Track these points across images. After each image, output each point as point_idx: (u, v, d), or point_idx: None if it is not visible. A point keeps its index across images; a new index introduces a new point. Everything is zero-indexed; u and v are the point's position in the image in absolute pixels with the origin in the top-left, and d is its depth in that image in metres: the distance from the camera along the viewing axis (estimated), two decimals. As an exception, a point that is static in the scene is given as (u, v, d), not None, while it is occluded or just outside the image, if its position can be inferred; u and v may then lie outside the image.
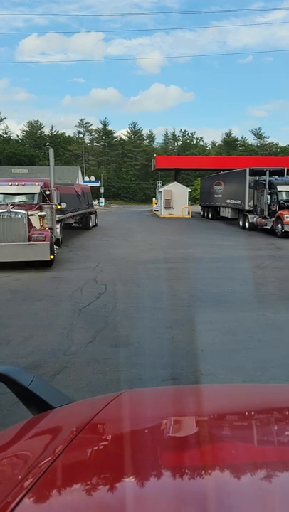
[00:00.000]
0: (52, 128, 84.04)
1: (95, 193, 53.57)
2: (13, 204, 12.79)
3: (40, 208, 13.03)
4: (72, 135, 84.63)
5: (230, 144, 79.92)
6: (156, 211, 38.36)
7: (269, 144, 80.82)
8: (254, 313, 7.48)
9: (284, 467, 0.89)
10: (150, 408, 1.41)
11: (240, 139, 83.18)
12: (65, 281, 10.23)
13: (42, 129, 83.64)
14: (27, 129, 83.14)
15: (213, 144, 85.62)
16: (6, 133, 79.48)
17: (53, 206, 13.48)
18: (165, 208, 35.29)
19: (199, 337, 6.20)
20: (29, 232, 11.76)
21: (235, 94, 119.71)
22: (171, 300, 8.41)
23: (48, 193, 13.59)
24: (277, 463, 0.91)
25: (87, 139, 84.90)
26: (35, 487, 0.79)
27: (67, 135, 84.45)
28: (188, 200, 36.73)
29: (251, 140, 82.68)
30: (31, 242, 11.58)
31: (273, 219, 20.62)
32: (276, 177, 22.32)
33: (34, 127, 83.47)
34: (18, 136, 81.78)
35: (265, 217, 21.61)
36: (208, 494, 0.78)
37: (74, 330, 6.61)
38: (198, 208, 36.36)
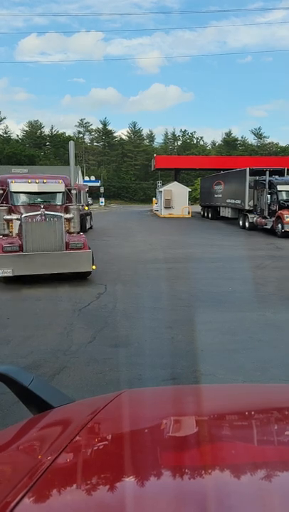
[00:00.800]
0: (52, 128, 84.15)
1: (95, 193, 53.56)
2: (34, 205, 10.73)
3: (66, 210, 10.82)
4: (72, 135, 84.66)
5: (230, 144, 79.94)
6: (156, 211, 38.37)
7: (269, 143, 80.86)
8: (254, 313, 7.48)
9: (284, 467, 0.89)
10: (150, 408, 1.41)
11: (240, 138, 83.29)
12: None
13: (42, 129, 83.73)
14: (27, 128, 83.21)
15: (213, 143, 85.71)
16: (5, 133, 79.54)
17: (80, 207, 11.64)
18: (165, 207, 35.29)
19: (199, 337, 6.20)
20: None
21: (235, 94, 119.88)
22: (171, 300, 8.41)
23: (74, 191, 11.79)
24: (277, 463, 0.91)
25: (87, 138, 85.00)
26: (35, 487, 0.79)
27: (67, 135, 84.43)
28: (188, 200, 36.73)
29: (251, 140, 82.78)
30: (69, 250, 9.76)
31: (273, 219, 20.62)
32: (276, 177, 22.33)
33: (34, 127, 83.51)
34: (18, 136, 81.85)
35: (265, 217, 21.62)
36: (208, 494, 0.78)
37: (74, 330, 6.61)
38: (198, 208, 36.37)
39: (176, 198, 34.99)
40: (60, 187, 11.45)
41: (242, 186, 24.06)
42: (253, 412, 1.31)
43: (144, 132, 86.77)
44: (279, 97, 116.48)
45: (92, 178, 66.92)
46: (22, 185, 11.13)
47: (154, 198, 42.62)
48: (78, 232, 10.69)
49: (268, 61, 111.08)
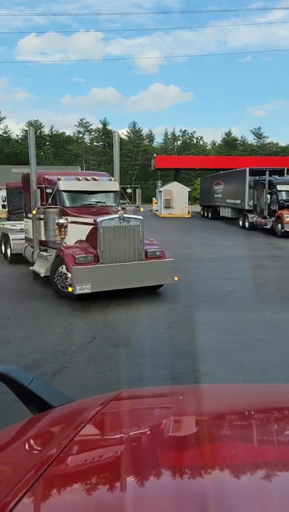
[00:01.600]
0: (52, 128, 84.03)
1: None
2: (88, 207, 9.37)
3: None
4: (72, 135, 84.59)
5: (230, 144, 79.88)
6: (156, 211, 38.32)
7: (269, 143, 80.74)
8: (254, 313, 7.49)
9: (284, 467, 0.89)
10: (149, 408, 1.41)
11: (240, 138, 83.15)
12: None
13: (42, 129, 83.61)
14: (27, 128, 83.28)
15: (213, 143, 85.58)
16: (5, 132, 79.47)
17: (136, 209, 10.22)
18: (165, 207, 35.26)
19: (199, 337, 6.20)
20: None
21: (235, 94, 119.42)
22: (170, 300, 8.41)
23: (129, 191, 10.59)
24: (277, 463, 0.91)
25: (87, 138, 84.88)
26: (35, 486, 0.78)
27: (67, 135, 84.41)
28: (188, 200, 36.71)
29: (251, 140, 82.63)
30: (149, 260, 8.51)
31: (273, 219, 20.62)
32: (276, 177, 22.33)
33: (34, 127, 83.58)
34: (17, 135, 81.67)
35: (264, 217, 21.62)
36: (208, 494, 0.78)
37: (74, 330, 6.62)
38: (198, 208, 36.36)
39: (176, 198, 34.96)
40: (114, 185, 10.15)
41: (242, 186, 24.06)
42: (252, 412, 1.31)
43: (144, 132, 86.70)
44: (279, 97, 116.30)
45: (92, 178, 66.61)
46: (72, 183, 9.54)
47: (153, 198, 42.58)
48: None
49: (268, 61, 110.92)
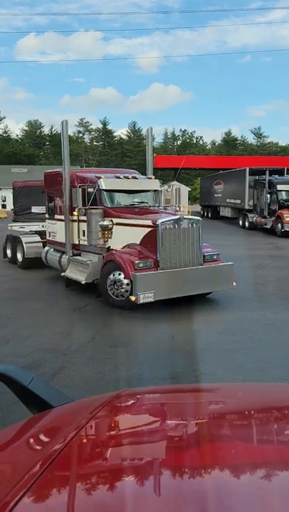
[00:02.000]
0: (52, 127, 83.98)
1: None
2: (132, 207, 8.81)
3: None
4: (71, 134, 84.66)
5: (229, 144, 79.92)
6: (156, 211, 38.28)
7: (269, 143, 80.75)
8: (254, 312, 7.49)
9: (284, 467, 0.89)
10: (149, 407, 1.41)
11: (239, 138, 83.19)
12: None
13: (41, 129, 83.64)
14: (26, 128, 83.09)
15: (213, 143, 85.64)
16: (5, 132, 79.45)
17: (177, 209, 9.71)
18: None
19: (199, 337, 6.20)
20: None
21: (234, 94, 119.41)
22: (170, 300, 8.40)
23: (169, 190, 10.29)
24: (277, 462, 0.91)
25: (86, 138, 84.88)
26: (35, 486, 0.78)
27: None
28: (188, 199, 36.70)
29: (251, 139, 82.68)
30: (207, 264, 7.98)
31: (273, 218, 20.62)
32: (276, 176, 22.34)
33: (34, 127, 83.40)
34: (17, 135, 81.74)
35: (264, 217, 21.62)
36: (208, 494, 0.78)
37: (73, 330, 6.63)
38: (198, 208, 36.37)
39: (176, 197, 34.96)
40: (155, 184, 9.51)
41: (242, 186, 24.07)
42: (252, 412, 1.30)
43: (144, 132, 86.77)
44: (279, 96, 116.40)
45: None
46: (113, 181, 8.87)
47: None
48: None
49: (268, 61, 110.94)
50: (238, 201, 24.90)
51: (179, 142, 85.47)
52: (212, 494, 0.77)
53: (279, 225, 19.86)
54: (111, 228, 8.26)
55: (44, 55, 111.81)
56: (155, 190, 9.36)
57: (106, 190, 8.60)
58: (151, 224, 7.60)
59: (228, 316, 7.29)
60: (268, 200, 21.37)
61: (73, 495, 0.81)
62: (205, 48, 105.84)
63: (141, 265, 7.29)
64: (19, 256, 12.15)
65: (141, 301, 6.95)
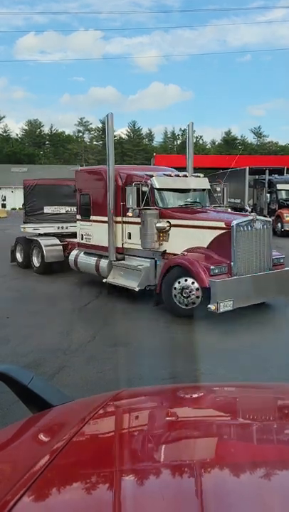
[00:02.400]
0: (51, 127, 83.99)
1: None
2: (185, 208, 8.26)
3: None
4: (71, 134, 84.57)
5: (229, 143, 79.89)
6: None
7: (269, 142, 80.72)
8: (254, 312, 7.48)
9: (283, 466, 0.89)
10: (149, 407, 1.41)
11: (239, 137, 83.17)
12: (63, 283, 10.25)
13: (41, 128, 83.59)
14: (26, 127, 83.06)
15: (213, 142, 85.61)
16: (5, 131, 79.40)
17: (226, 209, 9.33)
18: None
19: (198, 336, 6.20)
20: None
21: (234, 93, 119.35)
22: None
23: (218, 188, 9.35)
24: (277, 462, 0.91)
25: (86, 137, 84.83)
26: (35, 485, 0.79)
27: (66, 134, 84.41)
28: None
29: (251, 139, 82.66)
30: (277, 268, 7.52)
31: (273, 218, 20.62)
32: (276, 176, 22.36)
33: (33, 126, 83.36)
34: (17, 134, 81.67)
35: (264, 216, 21.61)
36: (207, 493, 0.78)
37: (73, 330, 6.63)
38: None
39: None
40: (205, 182, 8.99)
41: (241, 185, 24.07)
42: (252, 411, 1.30)
43: (144, 131, 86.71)
44: (279, 96, 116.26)
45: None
46: (166, 180, 8.25)
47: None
48: None
49: (268, 60, 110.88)
50: (238, 201, 24.89)
51: (178, 141, 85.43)
52: (212, 493, 0.77)
53: (279, 225, 19.88)
54: (168, 230, 7.70)
55: (44, 54, 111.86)
56: (203, 190, 8.90)
57: (159, 189, 8.03)
58: (224, 226, 7.06)
59: (228, 315, 7.28)
60: (268, 200, 21.39)
61: (73, 494, 0.81)
62: (205, 47, 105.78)
63: (216, 271, 6.75)
64: (35, 260, 11.24)
65: (221, 310, 6.49)
